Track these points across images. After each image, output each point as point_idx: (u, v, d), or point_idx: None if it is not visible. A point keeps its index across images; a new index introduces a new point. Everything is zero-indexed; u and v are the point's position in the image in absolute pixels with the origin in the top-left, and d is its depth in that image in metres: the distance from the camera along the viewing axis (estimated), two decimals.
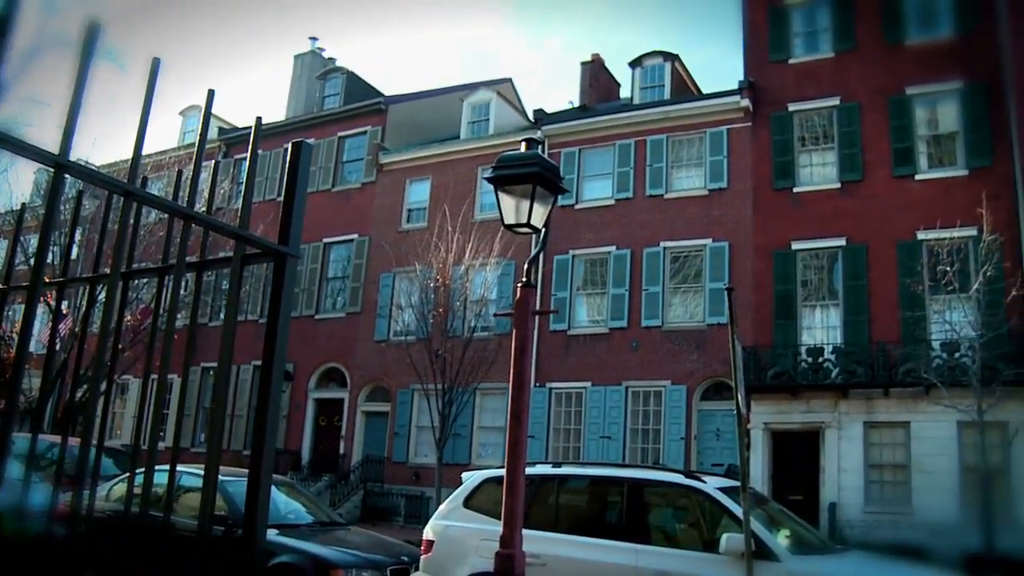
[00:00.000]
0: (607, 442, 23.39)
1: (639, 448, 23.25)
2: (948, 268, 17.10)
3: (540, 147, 25.36)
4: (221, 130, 33.71)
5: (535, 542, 7.70)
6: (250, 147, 2.56)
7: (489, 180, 6.99)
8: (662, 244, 24.12)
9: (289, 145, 2.57)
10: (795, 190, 23.17)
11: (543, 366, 24.67)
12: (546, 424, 24.37)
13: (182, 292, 2.26)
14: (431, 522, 9.16)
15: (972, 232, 18.91)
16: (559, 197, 23.28)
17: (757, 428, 21.77)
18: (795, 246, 22.68)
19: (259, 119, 2.67)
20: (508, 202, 6.91)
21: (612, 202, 25.19)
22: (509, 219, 6.89)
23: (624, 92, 30.68)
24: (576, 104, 29.82)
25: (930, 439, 20.19)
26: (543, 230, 7.05)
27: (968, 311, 17.48)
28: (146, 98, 2.11)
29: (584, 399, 24.11)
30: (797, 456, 21.60)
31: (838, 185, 22.82)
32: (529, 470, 8.76)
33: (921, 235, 20.66)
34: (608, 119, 26.21)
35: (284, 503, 11.01)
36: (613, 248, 24.68)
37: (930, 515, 19.53)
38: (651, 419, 23.32)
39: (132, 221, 2.28)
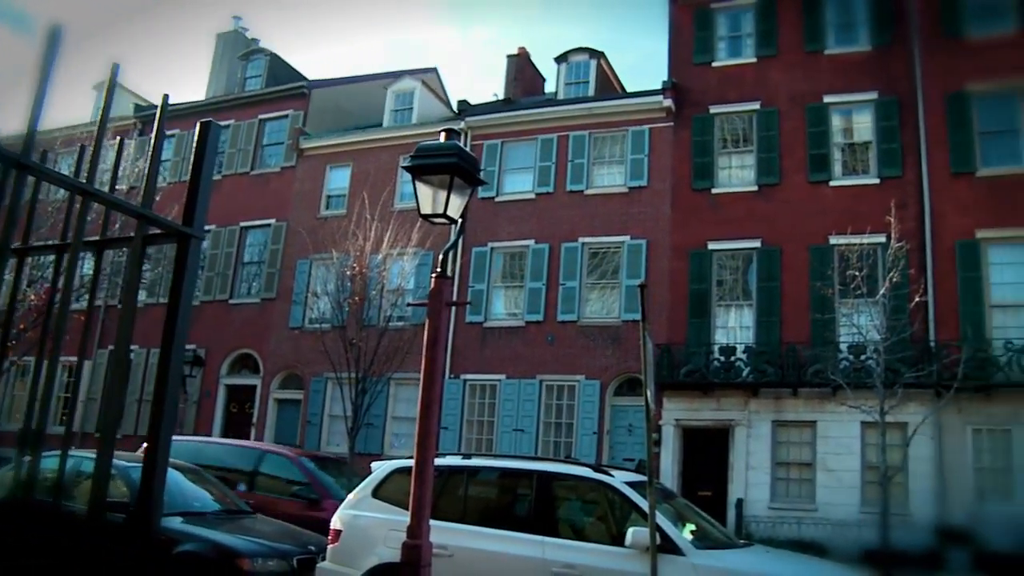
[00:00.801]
0: (520, 435, 23.46)
1: (552, 442, 23.38)
2: (857, 273, 17.49)
3: (463, 138, 25.43)
4: (138, 107, 32.81)
5: (443, 533, 7.72)
6: (155, 124, 2.48)
7: (407, 169, 6.94)
8: (581, 239, 24.27)
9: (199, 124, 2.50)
10: (713, 191, 23.53)
11: (458, 358, 24.65)
12: (460, 416, 24.34)
13: (95, 272, 2.19)
14: (339, 512, 9.08)
15: (881, 239, 19.41)
16: (479, 189, 23.38)
17: (669, 424, 22.09)
18: (711, 246, 23.04)
19: (166, 96, 2.59)
20: (425, 192, 6.86)
21: (533, 196, 25.25)
22: (426, 209, 6.85)
23: (549, 87, 30.77)
24: (501, 97, 29.82)
25: (835, 438, 20.78)
26: (460, 221, 7.03)
27: (874, 315, 17.95)
28: (43, 67, 2.04)
29: (498, 391, 24.14)
30: (707, 453, 21.98)
31: (755, 188, 23.25)
32: (439, 461, 8.75)
33: (833, 240, 21.16)
34: (532, 113, 26.26)
35: (190, 490, 10.81)
36: (532, 242, 24.76)
37: (832, 512, 20.09)
38: (564, 413, 23.47)
39: (29, 196, 2.19)
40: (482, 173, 23.23)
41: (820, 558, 9.50)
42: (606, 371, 23.03)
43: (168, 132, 26.60)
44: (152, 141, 2.46)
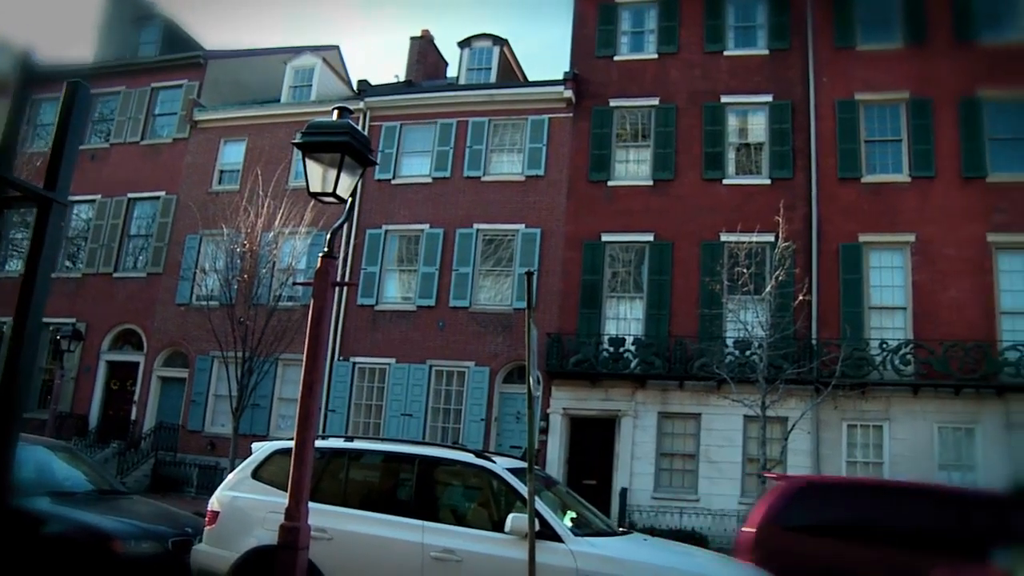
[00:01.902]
0: (408, 420, 23.36)
1: (440, 427, 23.34)
2: (745, 270, 17.88)
3: (362, 119, 25.14)
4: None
5: (323, 516, 7.66)
6: (14, 85, 2.34)
7: (296, 145, 6.80)
8: (476, 226, 24.25)
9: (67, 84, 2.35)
10: (609, 183, 23.78)
11: (348, 340, 24.40)
12: (348, 399, 24.10)
13: None
14: (217, 493, 8.87)
15: (770, 238, 19.85)
16: (377, 171, 22.95)
17: (556, 413, 22.30)
18: (605, 238, 23.30)
19: (28, 55, 2.45)
20: (315, 170, 6.76)
21: (429, 180, 25.08)
22: (315, 187, 6.75)
23: (451, 71, 30.60)
24: (402, 79, 29.53)
25: (718, 431, 21.32)
26: (349, 201, 6.93)
27: (760, 312, 18.38)
28: None
29: (388, 375, 23.98)
30: (593, 442, 22.26)
31: (651, 183, 23.58)
32: (321, 443, 8.65)
33: (724, 237, 21.63)
34: (432, 96, 26.11)
35: (62, 470, 10.42)
36: (427, 226, 24.62)
37: (713, 502, 20.63)
38: (453, 399, 23.46)
39: None
40: (380, 155, 23.05)
41: (697, 547, 9.68)
42: (496, 358, 23.09)
43: (50, 96, 25.53)
44: (12, 100, 2.32)
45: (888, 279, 21.95)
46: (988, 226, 21.59)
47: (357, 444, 9.51)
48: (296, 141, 6.78)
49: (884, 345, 20.92)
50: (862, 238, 22.06)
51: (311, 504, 6.67)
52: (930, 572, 7.94)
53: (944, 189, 22.05)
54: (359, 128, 21.76)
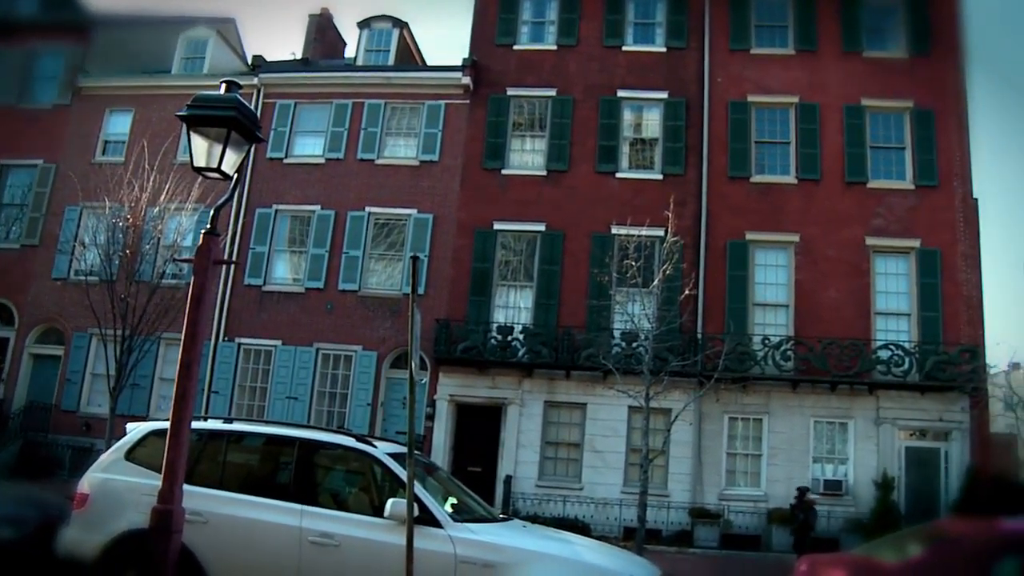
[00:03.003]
0: (293, 403, 22.99)
1: (325, 411, 23.05)
2: (633, 263, 18.07)
3: (256, 95, 24.59)
4: None
5: (199, 499, 7.50)
6: None
7: (181, 118, 6.58)
8: (368, 209, 23.96)
9: None
10: (503, 172, 23.80)
11: (234, 320, 23.84)
12: (232, 380, 23.56)
13: None
14: (87, 475, 8.51)
15: (659, 233, 20.10)
16: (269, 149, 22.49)
17: (443, 400, 22.28)
18: (497, 226, 23.32)
19: None
20: (200, 144, 6.59)
21: (323, 161, 24.63)
22: (199, 162, 6.60)
23: (349, 52, 30.12)
24: (299, 57, 28.94)
25: (603, 421, 21.61)
26: (235, 177, 6.75)
27: (647, 305, 18.62)
28: None
29: (274, 357, 23.51)
30: (480, 429, 22.31)
31: (544, 173, 23.69)
32: (199, 424, 8.42)
33: (615, 230, 21.84)
34: (329, 76, 25.68)
35: None
36: (318, 207, 24.18)
37: (597, 491, 20.91)
38: (340, 383, 23.18)
39: None
40: (273, 134, 22.54)
41: (578, 535, 9.74)
42: (384, 343, 22.89)
43: None
44: None
45: (772, 277, 22.59)
46: (867, 230, 22.40)
47: (236, 426, 9.26)
48: (181, 114, 6.58)
49: (766, 341, 21.51)
50: (749, 236, 22.62)
51: (186, 487, 6.51)
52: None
53: (828, 192, 22.80)
54: (250, 104, 21.08)
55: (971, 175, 22.80)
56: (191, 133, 6.57)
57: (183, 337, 6.37)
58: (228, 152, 6.56)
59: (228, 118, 6.43)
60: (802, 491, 18.14)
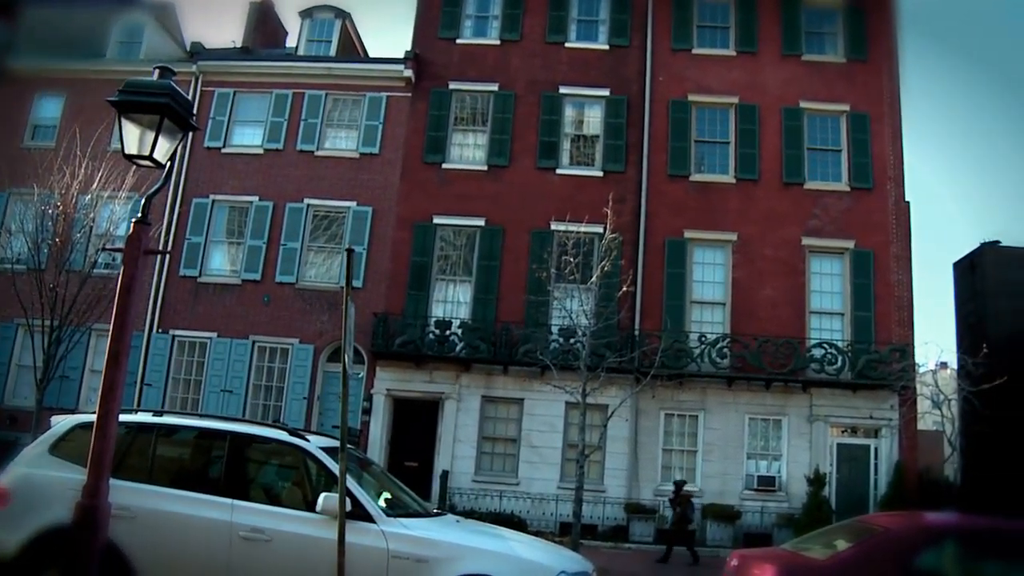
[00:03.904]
0: (228, 396, 22.68)
1: (261, 404, 22.78)
2: (572, 260, 18.09)
3: (194, 83, 24.20)
4: None
5: (126, 493, 7.35)
6: None
7: (112, 103, 6.42)
8: (306, 201, 23.70)
9: None
10: (444, 166, 23.71)
11: (168, 312, 23.42)
12: (166, 373, 23.14)
13: None
14: (9, 469, 8.29)
15: (599, 230, 20.13)
16: (207, 138, 22.01)
17: (380, 394, 22.16)
18: (437, 220, 23.24)
19: None
20: (132, 131, 6.49)
21: (261, 151, 24.29)
22: (131, 149, 6.48)
23: (291, 41, 29.78)
24: (239, 45, 28.52)
25: (540, 416, 21.66)
26: (168, 165, 6.62)
27: (585, 301, 18.64)
28: None
29: (209, 350, 23.16)
30: (417, 424, 22.26)
31: (485, 168, 23.66)
32: (127, 417, 8.23)
33: (554, 226, 21.92)
34: (269, 66, 25.31)
35: None
36: (256, 198, 23.86)
37: (533, 486, 20.95)
38: (276, 376, 22.93)
39: None
40: (211, 122, 22.15)
41: (510, 530, 9.72)
42: (321, 336, 22.67)
43: None
44: None
45: (710, 275, 22.83)
46: (803, 230, 22.74)
47: (166, 419, 9.09)
48: (112, 99, 6.42)
49: (703, 338, 21.73)
50: (687, 234, 22.83)
51: (114, 481, 6.42)
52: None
53: (766, 192, 23.09)
54: (188, 92, 20.70)
55: (904, 179, 23.26)
56: (122, 119, 6.44)
57: (111, 327, 6.25)
58: (161, 140, 6.45)
59: (161, 105, 6.32)
60: (679, 485, 18.37)
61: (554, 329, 21.55)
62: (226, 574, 7.54)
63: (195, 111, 23.46)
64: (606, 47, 24.53)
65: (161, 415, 9.42)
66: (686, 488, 18.43)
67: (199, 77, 24.76)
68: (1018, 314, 26.84)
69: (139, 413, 9.33)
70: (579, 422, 17.08)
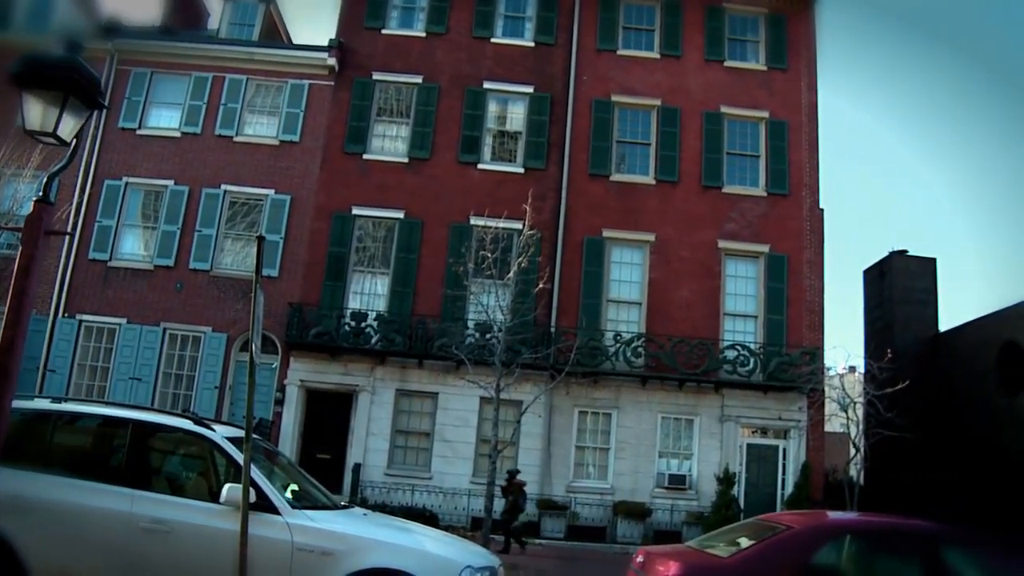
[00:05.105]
0: (137, 384, 22.12)
1: (171, 393, 22.28)
2: (490, 255, 18.04)
3: (109, 61, 23.54)
4: None
5: (20, 483, 7.17)
6: None
7: (12, 77, 6.14)
8: (224, 187, 23.23)
9: None
10: (364, 157, 23.48)
11: (76, 296, 22.72)
12: (71, 359, 22.47)
13: None
14: None
15: (518, 226, 20.11)
16: (121, 118, 21.35)
17: (294, 385, 21.89)
18: (356, 211, 23.02)
19: None
20: (34, 106, 6.13)
21: (178, 135, 23.72)
22: (33, 125, 6.14)
23: (213, 23, 29.17)
24: (159, 24, 27.79)
25: (454, 411, 21.63)
26: (73, 143, 6.38)
27: (502, 297, 18.64)
28: None
29: (117, 336, 22.55)
30: (330, 416, 22.07)
31: (406, 160, 23.51)
32: (23, 404, 7.92)
33: (473, 220, 21.92)
34: (189, 47, 24.60)
35: None
36: (171, 182, 23.28)
37: (446, 481, 20.91)
38: (187, 365, 22.44)
39: None
40: (126, 102, 21.53)
41: (419, 524, 9.66)
42: (234, 325, 22.25)
43: None
44: None
45: (627, 274, 23.03)
46: (720, 233, 23.08)
47: (66, 406, 8.79)
48: (13, 71, 6.15)
49: (618, 337, 21.92)
50: (606, 233, 23.00)
51: (6, 469, 6.34)
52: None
53: (684, 195, 23.39)
54: (103, 70, 20.10)
55: (819, 187, 23.78)
56: (24, 94, 6.16)
57: (6, 310, 5.99)
58: (66, 117, 6.17)
59: (65, 80, 6.06)
60: (512, 473, 18.43)
61: (470, 324, 21.53)
62: (126, 567, 7.33)
63: (109, 90, 23.17)
64: (532, 44, 24.57)
65: (61, 402, 9.13)
66: (519, 477, 18.42)
67: (115, 55, 24.08)
68: (922, 321, 27.66)
69: (37, 400, 8.99)
70: (493, 417, 17.08)
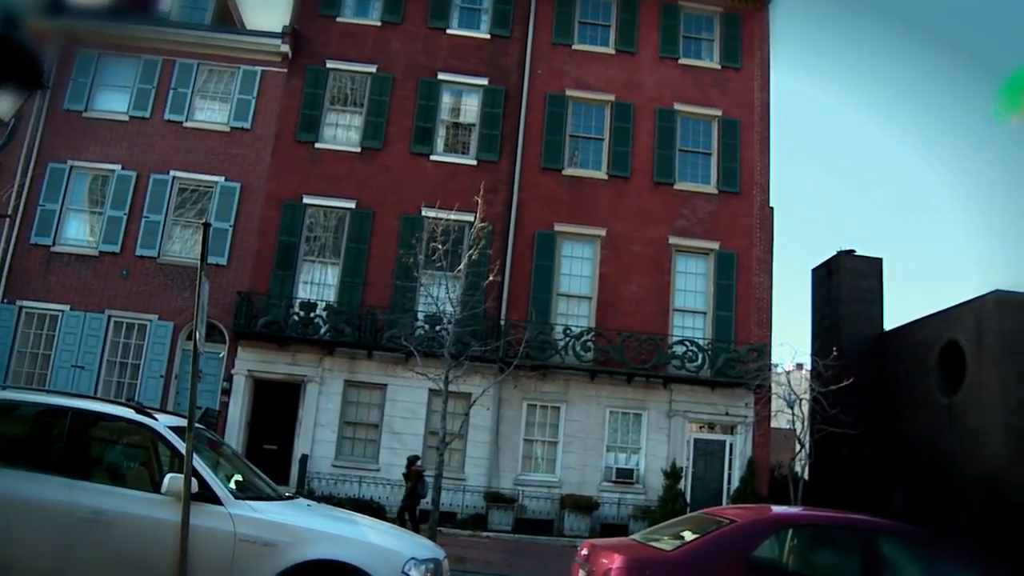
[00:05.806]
0: (80, 372, 21.72)
1: (115, 382, 21.92)
2: (441, 247, 17.94)
3: (54, 40, 22.99)
4: None
5: None
6: None
7: None
8: (172, 173, 22.85)
9: None
10: (316, 145, 23.25)
11: (16, 281, 22.24)
12: (11, 345, 22.00)
13: None
14: None
15: (469, 218, 19.99)
16: (67, 99, 21.05)
17: (241, 375, 21.68)
18: (306, 200, 22.80)
19: None
20: None
21: (126, 118, 23.29)
22: None
23: (164, 5, 28.61)
24: (108, 3, 27.22)
25: (403, 402, 21.56)
26: (12, 123, 6.21)
27: (452, 289, 18.55)
28: None
29: (60, 323, 22.12)
30: (278, 406, 21.89)
31: (358, 150, 23.34)
32: None
33: (425, 212, 21.79)
34: (138, 28, 24.07)
35: None
36: (118, 167, 22.84)
37: (394, 473, 20.77)
38: (132, 353, 22.09)
39: None
40: (72, 83, 21.19)
41: (365, 515, 9.58)
42: (181, 313, 21.94)
43: None
44: None
45: (578, 269, 23.09)
46: (671, 229, 23.23)
47: (2, 394, 8.59)
48: None
49: (568, 331, 21.99)
50: (557, 227, 23.04)
51: None
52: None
53: (636, 190, 23.49)
54: (44, 48, 19.70)
55: (769, 185, 24.02)
56: None
57: None
58: (3, 96, 6.02)
59: (3, 59, 5.89)
60: (411, 460, 18.44)
61: (420, 315, 21.46)
62: (63, 558, 7.15)
63: (53, 70, 22.66)
64: (487, 36, 24.50)
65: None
66: (419, 464, 18.41)
67: (61, 35, 23.53)
68: (868, 320, 28.09)
69: None
70: (441, 410, 17.01)
